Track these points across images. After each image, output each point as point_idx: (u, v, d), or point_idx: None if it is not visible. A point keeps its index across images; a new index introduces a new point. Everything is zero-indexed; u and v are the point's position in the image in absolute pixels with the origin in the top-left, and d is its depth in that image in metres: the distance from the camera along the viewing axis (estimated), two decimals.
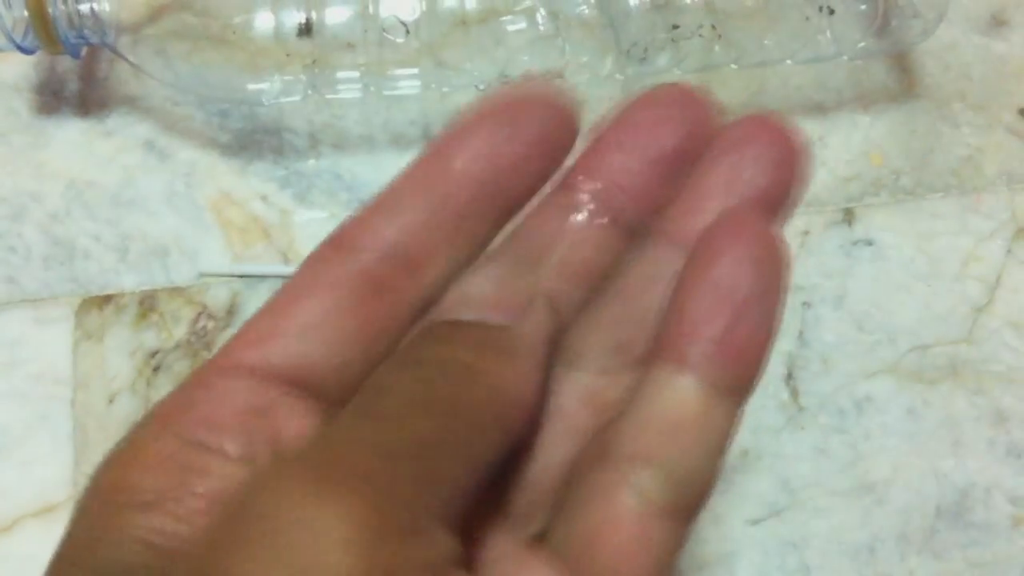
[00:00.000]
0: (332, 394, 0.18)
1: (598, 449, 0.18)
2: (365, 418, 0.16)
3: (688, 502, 0.17)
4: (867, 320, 0.40)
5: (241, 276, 0.39)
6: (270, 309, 0.18)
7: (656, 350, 0.18)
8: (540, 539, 0.18)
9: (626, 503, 0.17)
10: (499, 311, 0.18)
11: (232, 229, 0.40)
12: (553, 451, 0.19)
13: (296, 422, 0.17)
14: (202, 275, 0.39)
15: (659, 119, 0.20)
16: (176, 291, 0.39)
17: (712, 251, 0.18)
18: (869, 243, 0.41)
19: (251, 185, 0.40)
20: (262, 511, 0.14)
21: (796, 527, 0.37)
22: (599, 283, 0.20)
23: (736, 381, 0.17)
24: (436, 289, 0.19)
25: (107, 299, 0.38)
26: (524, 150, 0.19)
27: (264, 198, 0.40)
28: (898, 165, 0.43)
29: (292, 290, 0.18)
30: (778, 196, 0.19)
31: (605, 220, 0.20)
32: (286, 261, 0.39)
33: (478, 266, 0.19)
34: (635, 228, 0.20)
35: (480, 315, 0.18)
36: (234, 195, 0.40)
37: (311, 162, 0.41)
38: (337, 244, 0.19)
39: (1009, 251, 0.42)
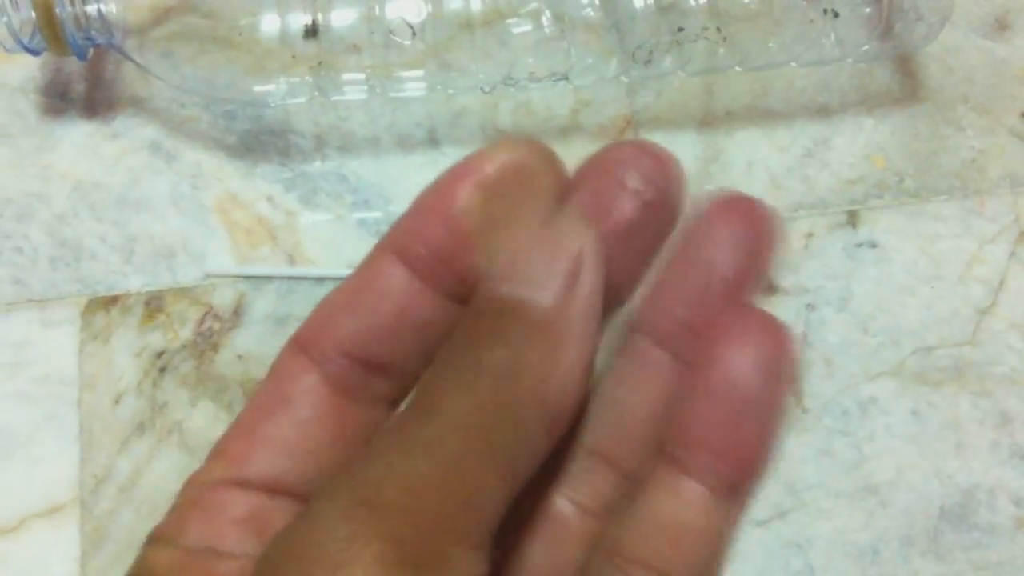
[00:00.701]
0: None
1: (604, 551, 0.18)
2: (401, 443, 0.16)
3: None
4: (871, 322, 0.40)
5: (247, 277, 0.39)
6: (243, 425, 0.19)
7: (660, 453, 0.18)
8: None
9: None
10: (541, 285, 0.17)
11: (238, 230, 0.40)
12: (543, 556, 0.19)
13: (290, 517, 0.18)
14: (208, 276, 0.39)
15: (615, 186, 0.18)
16: (182, 292, 0.39)
17: (716, 355, 0.17)
18: (873, 245, 0.41)
19: (257, 187, 0.41)
20: (296, 554, 0.15)
21: (800, 528, 0.37)
22: None
23: (739, 486, 0.18)
24: (412, 380, 0.19)
25: (113, 300, 0.38)
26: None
27: (270, 199, 0.40)
28: (902, 168, 0.43)
29: (263, 402, 0.19)
30: (756, 279, 0.19)
31: None
32: (292, 262, 0.39)
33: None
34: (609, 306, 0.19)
35: (527, 290, 0.17)
36: (240, 197, 0.40)
37: (316, 164, 0.41)
38: (303, 349, 0.19)
39: (1012, 254, 0.42)
